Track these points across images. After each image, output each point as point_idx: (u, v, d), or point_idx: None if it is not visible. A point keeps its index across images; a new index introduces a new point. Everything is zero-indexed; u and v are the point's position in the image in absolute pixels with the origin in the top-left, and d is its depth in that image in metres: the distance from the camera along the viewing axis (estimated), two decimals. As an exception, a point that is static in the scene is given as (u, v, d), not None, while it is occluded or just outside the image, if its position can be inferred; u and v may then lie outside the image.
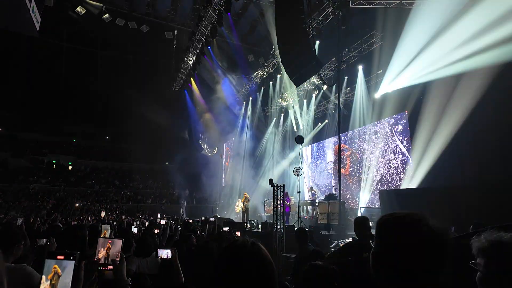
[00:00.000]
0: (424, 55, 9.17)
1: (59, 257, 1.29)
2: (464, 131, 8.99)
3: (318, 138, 16.19)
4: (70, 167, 28.52)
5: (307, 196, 13.56)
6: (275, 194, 8.32)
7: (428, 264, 0.81)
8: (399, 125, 11.50)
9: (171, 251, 2.64)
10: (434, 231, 0.82)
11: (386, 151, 11.95)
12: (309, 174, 16.52)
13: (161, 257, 3.30)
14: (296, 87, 14.01)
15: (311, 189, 13.02)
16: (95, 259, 1.81)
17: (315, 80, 13.90)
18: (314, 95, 15.08)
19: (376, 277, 0.89)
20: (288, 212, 10.76)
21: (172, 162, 27.30)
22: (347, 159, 13.98)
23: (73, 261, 1.29)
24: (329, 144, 15.30)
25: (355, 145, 13.72)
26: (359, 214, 10.64)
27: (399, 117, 11.58)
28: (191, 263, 3.69)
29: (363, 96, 12.51)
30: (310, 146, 16.88)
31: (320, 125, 15.66)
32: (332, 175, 14.70)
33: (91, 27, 21.77)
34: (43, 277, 1.27)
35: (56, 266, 1.28)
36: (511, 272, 0.97)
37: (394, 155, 11.54)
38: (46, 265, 1.27)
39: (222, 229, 6.71)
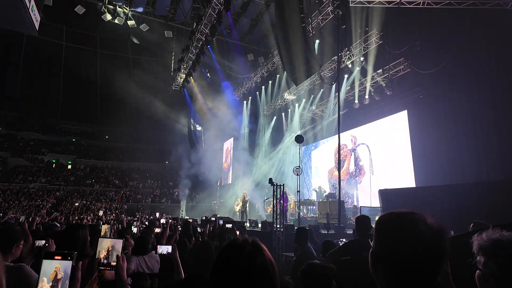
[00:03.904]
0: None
1: (56, 257, 1.29)
2: (465, 130, 8.99)
3: (318, 137, 16.20)
4: (70, 166, 28.51)
5: (307, 195, 13.56)
6: (275, 193, 8.32)
7: (427, 264, 0.81)
8: (399, 124, 11.49)
9: (171, 247, 2.63)
10: (432, 230, 0.82)
11: (386, 150, 11.94)
12: (310, 174, 16.52)
13: (161, 253, 3.30)
14: (296, 86, 14.00)
15: (319, 188, 13.02)
16: (97, 259, 1.81)
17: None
18: (312, 95, 15.09)
19: (375, 277, 0.88)
20: (285, 211, 10.76)
21: (172, 161, 27.27)
22: (347, 158, 13.97)
23: (71, 261, 1.28)
24: (329, 143, 15.29)
25: (356, 144, 13.71)
26: (359, 214, 10.64)
27: (399, 116, 11.58)
28: (191, 262, 3.69)
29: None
30: (310, 145, 16.88)
31: (317, 123, 15.68)
32: (331, 174, 14.70)
33: (91, 26, 21.77)
34: (44, 278, 1.27)
35: (58, 265, 1.27)
36: (510, 271, 0.97)
37: (395, 154, 11.53)
38: (44, 265, 1.27)
39: (225, 226, 6.68)
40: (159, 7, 16.83)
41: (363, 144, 13.24)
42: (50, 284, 1.26)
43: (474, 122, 8.79)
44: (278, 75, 15.53)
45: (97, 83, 31.48)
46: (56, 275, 1.27)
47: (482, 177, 8.21)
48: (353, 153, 13.76)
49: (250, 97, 18.30)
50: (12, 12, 8.33)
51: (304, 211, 12.51)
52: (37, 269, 1.33)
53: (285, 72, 12.92)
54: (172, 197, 26.34)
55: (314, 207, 12.46)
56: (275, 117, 17.54)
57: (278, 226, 7.77)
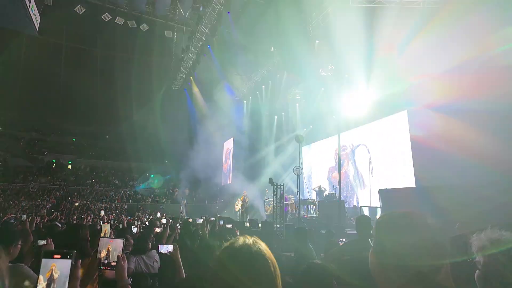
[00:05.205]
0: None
1: (55, 256, 1.29)
2: (465, 129, 8.98)
3: (318, 137, 16.18)
4: (70, 166, 28.53)
5: (307, 194, 13.54)
6: (275, 193, 8.33)
7: (427, 263, 0.80)
8: (399, 124, 11.49)
9: (172, 246, 2.63)
10: (433, 230, 0.82)
11: (386, 150, 11.94)
12: (311, 173, 16.52)
13: (161, 253, 3.30)
14: (296, 86, 14.00)
15: (319, 187, 12.99)
16: (97, 259, 1.81)
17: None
18: (313, 95, 15.07)
19: (375, 277, 0.88)
20: (286, 211, 10.75)
21: (172, 161, 27.30)
22: (346, 159, 13.96)
23: (70, 260, 1.28)
24: (329, 143, 15.28)
25: (355, 145, 13.70)
26: (359, 214, 10.65)
27: (399, 116, 11.57)
28: (191, 261, 3.68)
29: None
30: (310, 144, 16.88)
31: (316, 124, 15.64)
32: (331, 175, 14.70)
33: (91, 26, 21.76)
34: (41, 276, 1.26)
35: (54, 264, 1.27)
36: (509, 270, 0.97)
37: (394, 154, 11.53)
38: (43, 264, 1.26)
39: (225, 226, 6.68)
40: (159, 7, 16.83)
41: (363, 145, 13.22)
42: (46, 282, 1.25)
43: (475, 121, 8.78)
44: (278, 75, 15.52)
45: (97, 82, 31.50)
46: (52, 273, 1.26)
47: (482, 177, 8.20)
48: (352, 154, 13.75)
49: (250, 97, 18.29)
50: (12, 12, 8.34)
51: (304, 213, 12.48)
52: (37, 269, 1.32)
53: (285, 71, 12.92)
54: (172, 197, 26.34)
55: (315, 206, 12.44)
56: (275, 117, 17.54)
57: (278, 226, 7.78)
